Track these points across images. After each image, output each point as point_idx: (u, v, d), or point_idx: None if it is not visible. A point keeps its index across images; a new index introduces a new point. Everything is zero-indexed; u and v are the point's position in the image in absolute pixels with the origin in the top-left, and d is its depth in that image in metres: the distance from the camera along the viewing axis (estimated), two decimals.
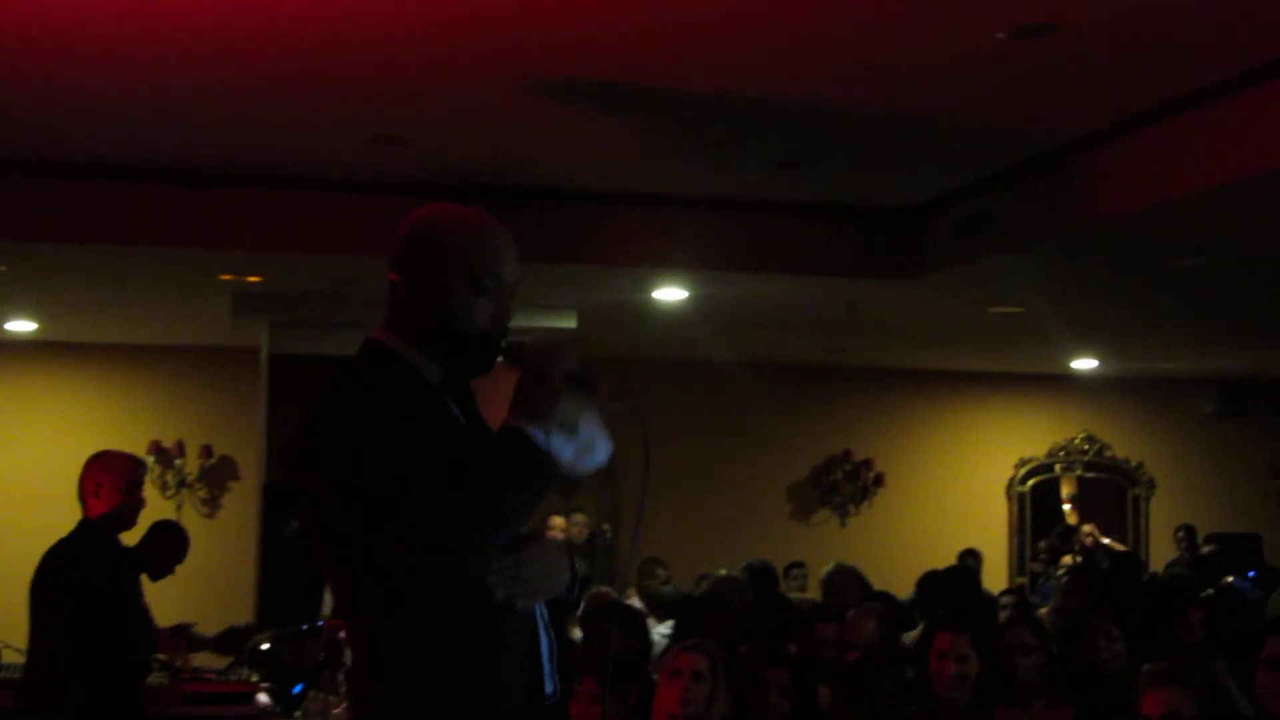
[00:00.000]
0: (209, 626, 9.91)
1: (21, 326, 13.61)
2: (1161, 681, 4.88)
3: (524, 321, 12.37)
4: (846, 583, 10.39)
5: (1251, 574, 14.09)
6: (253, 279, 11.55)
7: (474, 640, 3.39)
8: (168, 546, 8.37)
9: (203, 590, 11.09)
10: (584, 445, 3.45)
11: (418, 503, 3.23)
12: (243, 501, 14.13)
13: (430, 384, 3.50)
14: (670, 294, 11.89)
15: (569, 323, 12.60)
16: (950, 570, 11.90)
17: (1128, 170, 8.73)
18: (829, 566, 10.80)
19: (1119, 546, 16.11)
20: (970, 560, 14.22)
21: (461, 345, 3.48)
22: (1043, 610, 10.51)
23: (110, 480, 7.14)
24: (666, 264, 10.99)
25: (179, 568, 8.21)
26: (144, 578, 7.59)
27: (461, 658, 3.37)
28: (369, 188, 10.07)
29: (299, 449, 3.39)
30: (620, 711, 6.59)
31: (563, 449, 3.39)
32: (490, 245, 3.54)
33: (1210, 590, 10.57)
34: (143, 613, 7.39)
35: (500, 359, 3.51)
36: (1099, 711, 6.13)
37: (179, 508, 13.92)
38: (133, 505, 7.21)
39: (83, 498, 7.17)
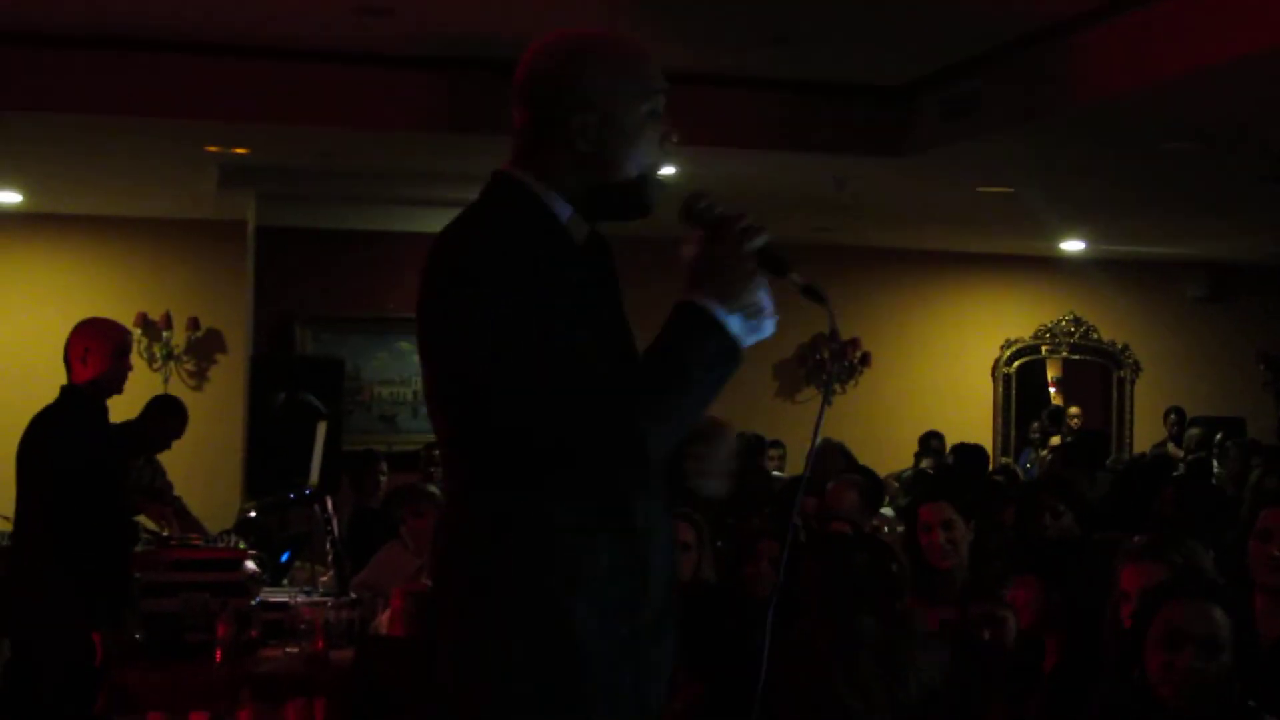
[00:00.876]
0: (196, 495, 9.99)
1: (6, 198, 13.55)
2: (1139, 557, 4.91)
3: None
4: (831, 456, 10.48)
5: None
6: (240, 151, 11.50)
7: (623, 537, 3.09)
8: (166, 421, 8.40)
9: (190, 462, 11.12)
10: (754, 324, 3.14)
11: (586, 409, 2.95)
12: (230, 374, 14.12)
13: (576, 243, 3.19)
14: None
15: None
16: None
17: (1119, 51, 8.70)
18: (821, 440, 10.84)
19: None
20: (933, 442, 14.28)
21: (637, 188, 3.17)
22: None
23: (99, 346, 7.13)
24: None
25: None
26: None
27: (612, 549, 3.08)
28: (356, 59, 10.03)
29: (432, 307, 3.04)
30: None
31: (742, 332, 3.10)
32: (652, 65, 3.20)
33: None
34: (128, 480, 7.44)
35: (682, 217, 3.17)
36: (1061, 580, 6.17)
37: (166, 380, 13.91)
38: (120, 372, 7.20)
39: (69, 363, 7.16)
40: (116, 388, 7.25)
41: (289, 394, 10.16)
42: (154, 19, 9.42)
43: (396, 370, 12.93)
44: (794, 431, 14.32)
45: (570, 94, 3.10)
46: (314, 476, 8.23)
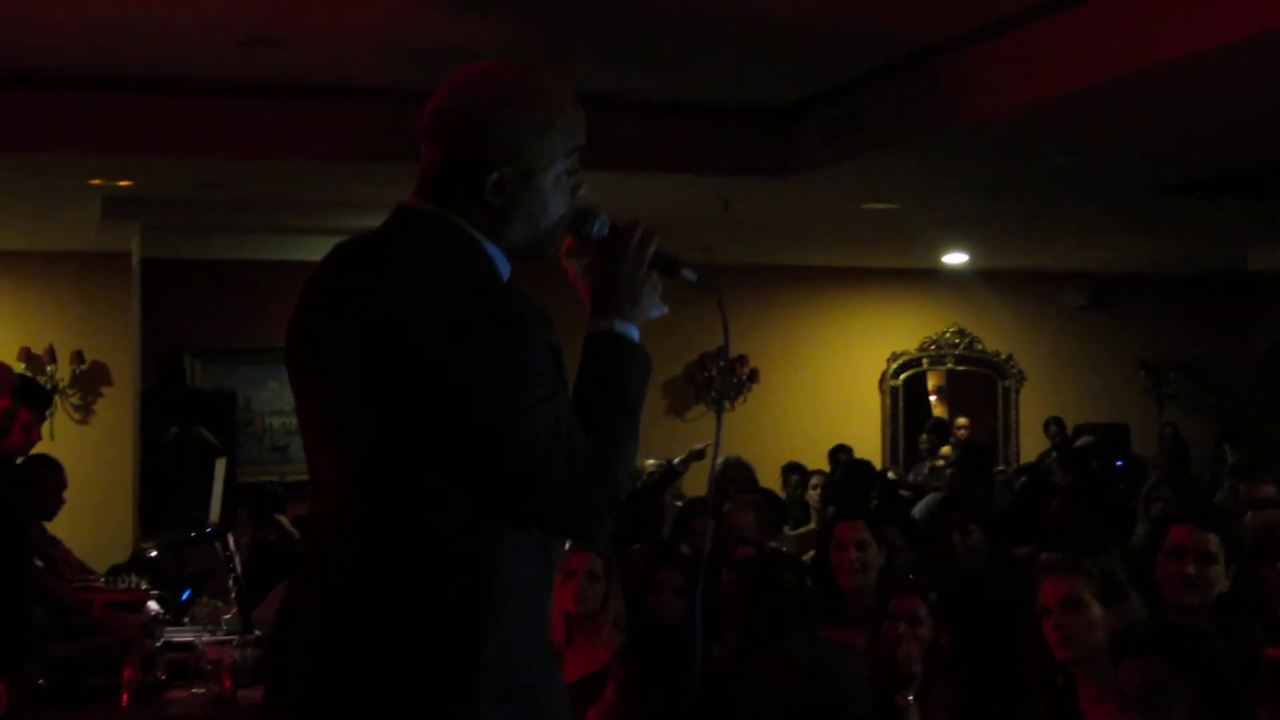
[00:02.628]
0: (84, 532, 9.88)
1: None
2: (1058, 570, 4.99)
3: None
4: (739, 476, 10.57)
5: (1119, 463, 14.39)
6: (123, 183, 11.42)
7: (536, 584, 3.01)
8: (49, 483, 8.31)
9: (79, 497, 10.96)
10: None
11: (549, 450, 2.86)
12: (116, 407, 13.99)
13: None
14: None
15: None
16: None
17: (998, 70, 8.82)
18: (720, 460, 10.90)
19: None
20: (842, 456, 14.36)
21: (541, 240, 3.06)
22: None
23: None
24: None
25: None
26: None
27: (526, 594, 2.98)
28: (241, 90, 9.98)
29: (416, 358, 2.85)
30: None
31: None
32: (578, 118, 3.09)
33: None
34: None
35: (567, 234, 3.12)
36: (957, 601, 6.25)
37: (51, 415, 13.78)
38: (12, 413, 7.15)
39: None
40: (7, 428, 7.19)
41: (181, 428, 10.11)
42: (35, 52, 9.33)
43: (288, 399, 12.75)
44: (687, 449, 14.35)
45: (490, 144, 2.97)
46: (214, 513, 8.18)
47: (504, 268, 3.04)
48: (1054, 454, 15.51)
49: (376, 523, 2.93)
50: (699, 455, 11.80)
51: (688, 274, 3.23)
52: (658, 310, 3.16)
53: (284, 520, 10.39)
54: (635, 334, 3.08)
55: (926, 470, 15.22)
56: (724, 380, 15.95)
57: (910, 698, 5.25)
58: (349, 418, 2.96)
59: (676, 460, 11.64)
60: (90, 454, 12.65)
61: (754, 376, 16.52)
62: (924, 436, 16.58)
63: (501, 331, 2.86)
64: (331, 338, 2.98)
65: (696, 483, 12.25)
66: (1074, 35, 8.14)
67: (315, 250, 10.72)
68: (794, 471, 13.60)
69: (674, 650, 5.90)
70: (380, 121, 10.29)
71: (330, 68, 9.66)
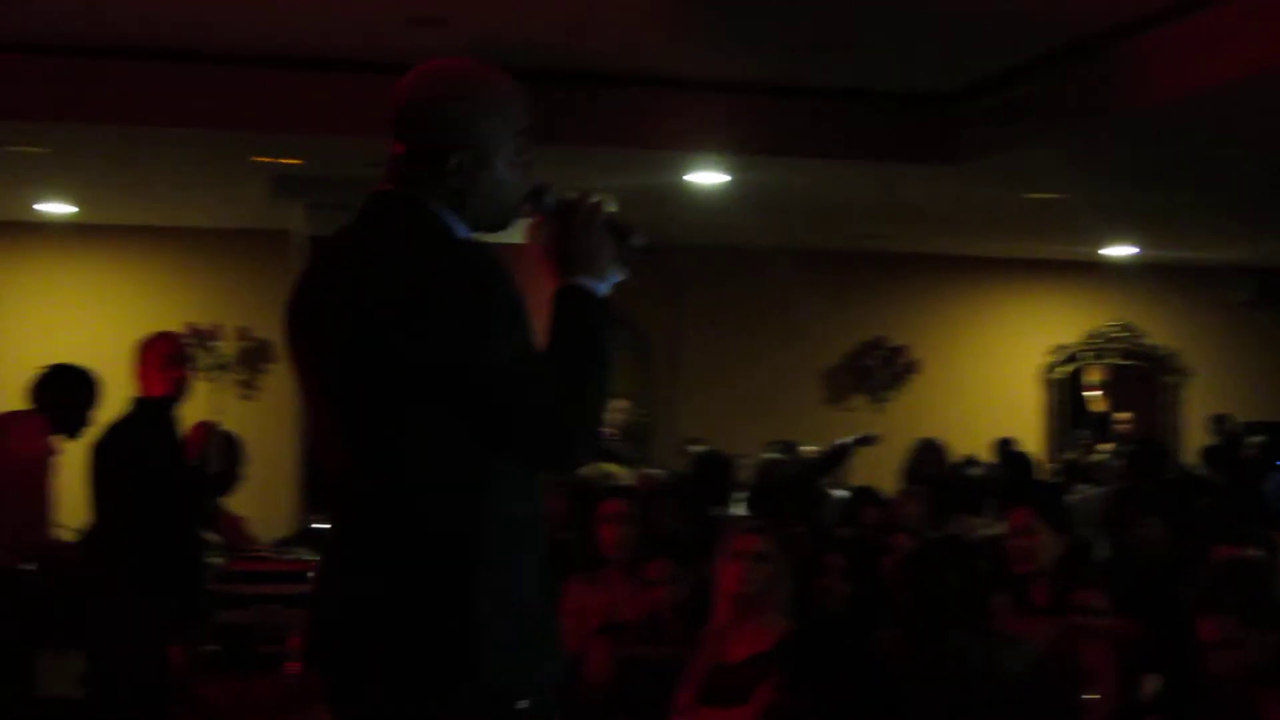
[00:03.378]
0: (253, 505, 9.98)
1: (61, 209, 13.64)
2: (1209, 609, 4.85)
3: None
4: (929, 458, 10.53)
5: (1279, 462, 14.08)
6: (289, 161, 11.55)
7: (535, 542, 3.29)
8: (226, 459, 8.42)
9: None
10: (611, 281, 3.39)
11: (531, 393, 3.15)
12: (280, 383, 14.15)
13: None
14: (706, 178, 11.90)
15: (605, 208, 12.58)
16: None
17: (1167, 57, 8.71)
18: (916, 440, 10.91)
19: None
20: (1007, 448, 14.21)
21: (502, 212, 3.36)
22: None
23: (169, 358, 7.22)
24: (702, 148, 11.00)
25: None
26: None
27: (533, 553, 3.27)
28: (406, 70, 10.04)
29: (389, 314, 3.12)
30: (685, 592, 6.68)
31: (606, 292, 3.37)
32: (523, 103, 3.41)
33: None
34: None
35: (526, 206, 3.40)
36: (1142, 594, 6.15)
37: (218, 390, 13.98)
38: (188, 383, 7.28)
39: (140, 376, 7.22)
40: (183, 398, 7.31)
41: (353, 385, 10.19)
42: (206, 31, 9.47)
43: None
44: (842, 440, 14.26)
45: (447, 132, 3.30)
46: None
47: (462, 233, 3.32)
48: (1212, 451, 15.23)
49: (371, 470, 3.20)
50: (869, 440, 11.76)
51: (637, 240, 3.44)
52: (617, 275, 3.39)
53: None
54: (598, 289, 3.32)
55: (1087, 465, 15.00)
56: (884, 369, 15.87)
57: (1093, 695, 5.18)
58: (338, 382, 3.22)
59: (850, 439, 11.62)
60: (255, 429, 12.76)
61: (913, 366, 16.39)
62: (1082, 431, 16.37)
63: (464, 275, 3.16)
64: (317, 315, 3.28)
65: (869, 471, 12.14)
66: (1245, 22, 8.01)
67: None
68: (1008, 444, 13.61)
69: (839, 634, 5.89)
70: (546, 102, 10.35)
71: (495, 47, 9.70)
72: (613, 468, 11.07)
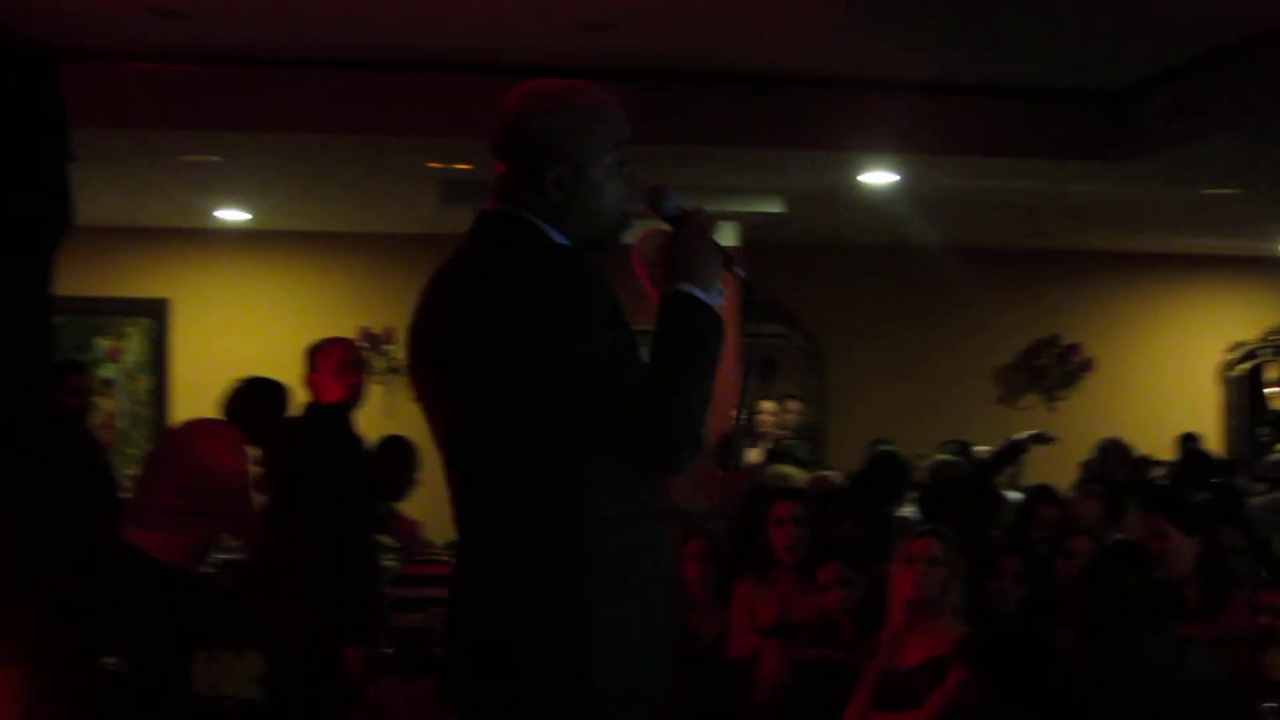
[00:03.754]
0: (426, 508, 10.03)
1: (235, 215, 13.85)
2: None
3: (732, 206, 12.50)
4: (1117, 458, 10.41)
5: None
6: (461, 167, 11.65)
7: (647, 548, 3.36)
8: (401, 463, 8.49)
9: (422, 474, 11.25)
10: (719, 296, 3.45)
11: (631, 401, 3.23)
12: None
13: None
14: (878, 178, 11.84)
15: (776, 207, 12.61)
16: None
17: None
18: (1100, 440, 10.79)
19: None
20: (1191, 444, 13.96)
21: (603, 223, 3.45)
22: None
23: (345, 364, 7.30)
24: (874, 148, 10.95)
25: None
26: None
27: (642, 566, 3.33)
28: (575, 75, 10.07)
29: (490, 321, 3.26)
30: (859, 595, 6.65)
31: (715, 302, 3.42)
32: (620, 118, 3.51)
33: None
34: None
35: (650, 211, 3.49)
36: None
37: (391, 394, 14.11)
38: (363, 388, 7.35)
39: (314, 382, 7.30)
40: (359, 403, 7.38)
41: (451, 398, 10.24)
42: (375, 40, 9.56)
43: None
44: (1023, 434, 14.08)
45: (545, 148, 3.40)
46: None
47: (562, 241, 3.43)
48: None
49: (480, 487, 3.38)
50: (1042, 439, 11.63)
51: (738, 270, 3.54)
52: (720, 295, 3.44)
53: None
54: (705, 297, 3.38)
55: (1268, 465, 14.72)
56: (1057, 368, 15.70)
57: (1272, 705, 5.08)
58: (448, 397, 3.38)
59: (1024, 436, 11.51)
60: (426, 432, 12.89)
61: (1088, 365, 16.16)
62: (1263, 429, 16.04)
63: (557, 277, 3.26)
64: (430, 334, 3.42)
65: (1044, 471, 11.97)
66: None
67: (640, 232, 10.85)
68: (1190, 440, 13.42)
69: (1015, 637, 5.83)
70: (716, 104, 10.37)
71: (663, 51, 9.72)
72: (789, 469, 11.04)
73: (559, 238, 3.38)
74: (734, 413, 12.52)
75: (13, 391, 8.51)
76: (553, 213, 3.38)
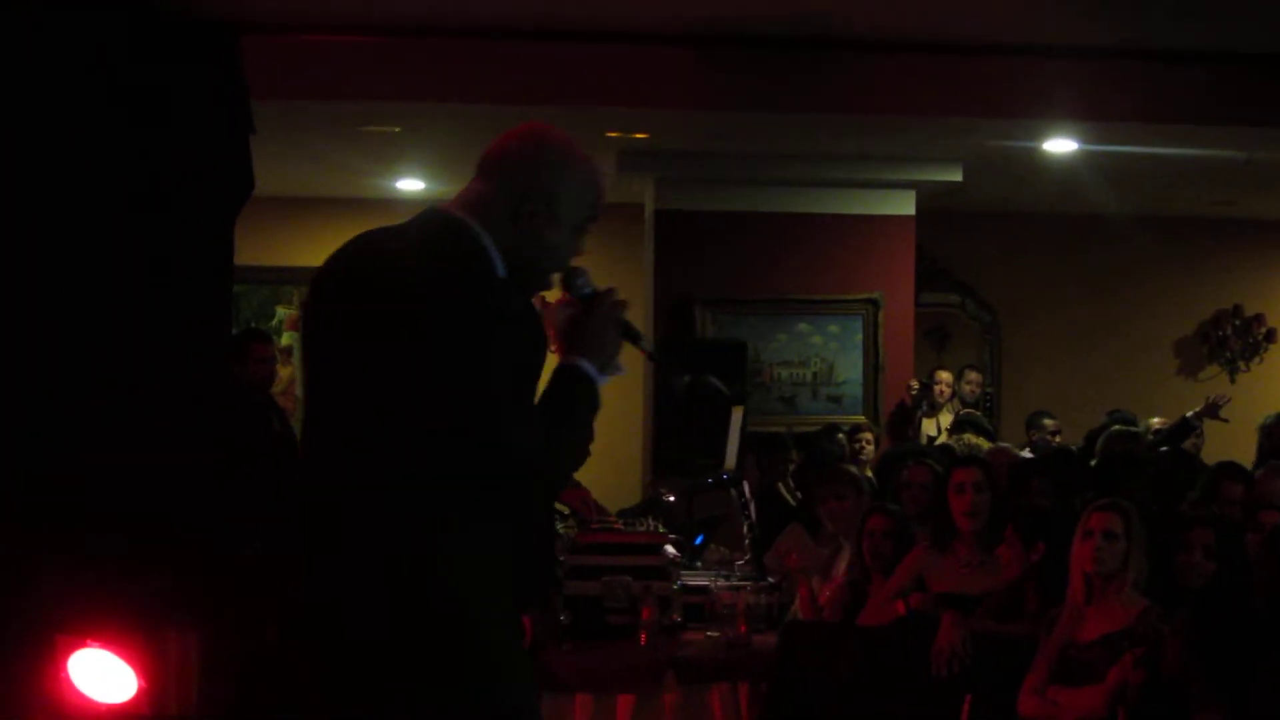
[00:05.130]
0: (597, 475, 10.09)
1: (411, 185, 13.98)
2: None
3: (908, 175, 12.43)
4: None
5: None
6: (639, 136, 11.68)
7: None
8: None
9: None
10: (612, 372, 3.77)
11: (500, 424, 3.41)
12: (626, 356, 14.23)
13: None
14: (1059, 145, 11.70)
15: (953, 175, 12.53)
16: None
17: None
18: (1268, 416, 10.63)
19: None
20: None
21: (543, 269, 3.69)
22: None
23: None
24: (1055, 115, 10.81)
25: None
26: None
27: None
28: (761, 44, 10.07)
29: (405, 303, 3.45)
30: (1039, 568, 6.61)
31: (602, 380, 3.72)
32: (602, 188, 3.77)
33: None
34: None
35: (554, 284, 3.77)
36: None
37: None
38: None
39: None
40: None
41: (693, 377, 10.24)
42: (556, 9, 9.59)
43: (796, 351, 12.88)
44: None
45: (534, 180, 3.62)
46: (730, 460, 8.28)
47: (501, 273, 3.61)
48: None
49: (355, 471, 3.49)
50: (1214, 412, 11.46)
51: (644, 345, 3.97)
52: (616, 371, 3.77)
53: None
54: (596, 376, 3.67)
55: None
56: (1239, 339, 15.44)
57: None
58: (341, 378, 3.55)
59: (1190, 414, 11.34)
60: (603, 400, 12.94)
61: (1271, 336, 15.84)
62: None
63: (484, 312, 3.42)
64: (340, 304, 3.59)
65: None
66: None
67: (823, 203, 10.91)
68: None
69: (1202, 611, 5.75)
70: (886, 72, 10.31)
71: (840, 18, 9.66)
72: (976, 439, 10.99)
73: (498, 262, 3.56)
74: (912, 383, 12.53)
75: (198, 360, 8.65)
76: (507, 239, 3.58)
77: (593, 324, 3.70)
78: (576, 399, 3.61)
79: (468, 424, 3.38)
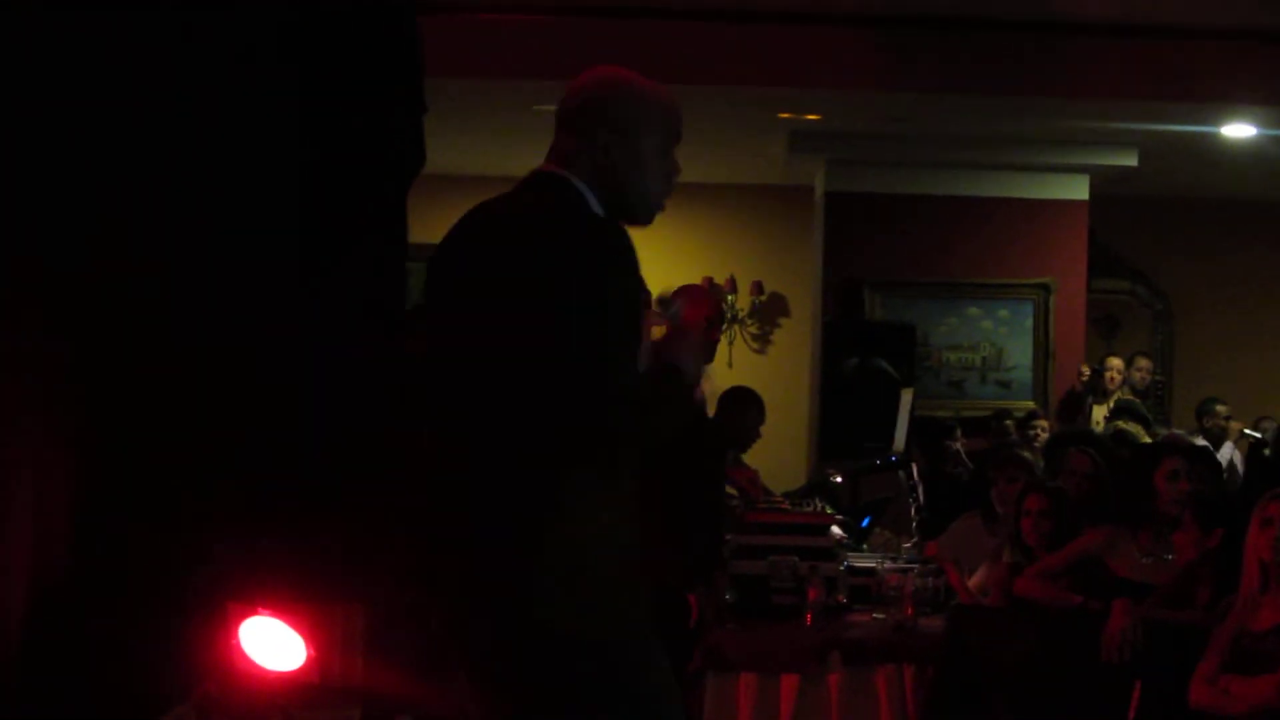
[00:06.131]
0: (764, 456, 10.11)
1: None
2: None
3: (1083, 159, 12.31)
4: None
5: None
6: (811, 117, 11.66)
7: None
8: (745, 415, 8.57)
9: None
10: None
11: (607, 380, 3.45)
12: (793, 338, 14.31)
13: None
14: (1238, 130, 11.53)
15: (1129, 160, 12.39)
16: None
17: None
18: None
19: None
20: None
21: (636, 198, 3.74)
22: None
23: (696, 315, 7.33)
24: (1235, 99, 10.67)
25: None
26: None
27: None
28: (923, 24, 10.03)
29: (519, 275, 3.54)
30: (1204, 551, 6.53)
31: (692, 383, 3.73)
32: (676, 113, 3.82)
33: None
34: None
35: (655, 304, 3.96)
36: None
37: (730, 343, 14.22)
38: (712, 346, 7.39)
39: None
40: (711, 359, 7.43)
41: (861, 359, 10.24)
42: None
43: (965, 335, 12.82)
44: None
45: (602, 115, 3.69)
46: (899, 442, 8.25)
47: (600, 213, 3.71)
48: None
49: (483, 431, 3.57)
50: None
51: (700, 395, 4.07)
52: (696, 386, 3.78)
53: (961, 451, 10.41)
54: (693, 385, 3.69)
55: None
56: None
57: None
58: (464, 342, 3.64)
59: None
60: (767, 383, 12.89)
61: None
62: None
63: (593, 253, 3.51)
64: (459, 277, 3.72)
65: None
66: None
67: (994, 186, 10.89)
68: None
69: None
70: (1063, 55, 10.22)
71: (1044, 4, 9.60)
72: (1131, 426, 10.87)
73: (595, 204, 3.67)
74: (1082, 369, 12.42)
75: (374, 335, 8.75)
76: (596, 177, 3.68)
77: (684, 347, 3.70)
78: (672, 391, 3.62)
79: (582, 359, 3.44)
